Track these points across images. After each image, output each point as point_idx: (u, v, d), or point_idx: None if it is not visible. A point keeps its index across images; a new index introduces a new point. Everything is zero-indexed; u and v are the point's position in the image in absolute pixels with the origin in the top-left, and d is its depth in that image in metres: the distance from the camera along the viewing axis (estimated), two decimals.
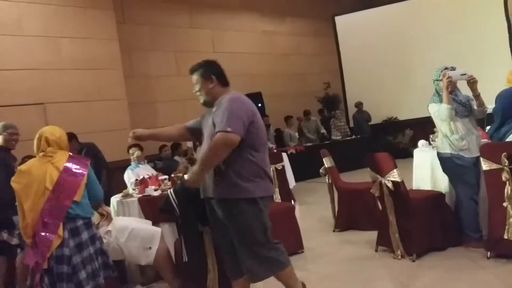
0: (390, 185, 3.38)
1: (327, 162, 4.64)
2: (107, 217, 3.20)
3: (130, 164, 4.99)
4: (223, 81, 2.55)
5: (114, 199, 4.07)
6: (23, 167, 2.66)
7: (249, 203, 2.37)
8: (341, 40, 10.87)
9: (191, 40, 9.32)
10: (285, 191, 6.08)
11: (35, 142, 2.70)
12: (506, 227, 2.99)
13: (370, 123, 10.26)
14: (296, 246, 3.98)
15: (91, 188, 2.69)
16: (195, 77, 2.55)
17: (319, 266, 3.68)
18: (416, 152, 4.21)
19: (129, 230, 3.13)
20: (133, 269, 3.82)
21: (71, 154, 2.75)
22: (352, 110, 10.57)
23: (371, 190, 3.63)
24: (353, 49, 10.60)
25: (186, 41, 9.22)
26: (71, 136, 5.72)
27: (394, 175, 3.37)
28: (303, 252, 4.00)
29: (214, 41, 9.82)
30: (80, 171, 2.63)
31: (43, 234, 2.47)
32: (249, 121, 2.35)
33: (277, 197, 5.89)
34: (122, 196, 4.06)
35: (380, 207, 3.73)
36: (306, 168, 7.87)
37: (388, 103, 10.28)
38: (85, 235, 2.59)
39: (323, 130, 9.87)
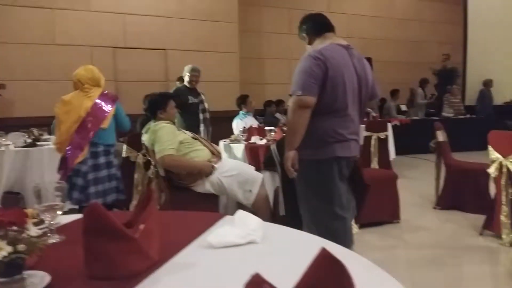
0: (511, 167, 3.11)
1: (440, 135, 4.37)
2: (217, 155, 3.44)
3: (238, 114, 5.23)
4: (316, 30, 2.33)
5: (222, 143, 4.34)
6: (66, 97, 3.23)
7: None
8: (471, 9, 9.82)
9: None
10: (385, 162, 5.91)
11: (74, 82, 3.25)
12: None
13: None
14: (393, 215, 3.90)
15: (119, 119, 3.27)
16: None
17: (413, 238, 3.58)
18: None
19: (235, 170, 3.31)
20: (229, 205, 4.07)
21: (105, 91, 3.26)
22: (472, 86, 9.65)
23: (487, 170, 3.37)
24: (483, 21, 9.53)
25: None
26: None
27: None
28: (399, 222, 3.92)
29: (330, 0, 9.54)
30: (109, 105, 3.19)
31: (71, 151, 3.09)
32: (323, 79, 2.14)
33: (375, 166, 5.77)
34: (230, 140, 4.32)
35: (495, 190, 3.46)
36: (409, 142, 7.51)
37: None
38: (102, 160, 3.15)
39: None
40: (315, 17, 2.41)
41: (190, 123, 4.62)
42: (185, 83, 4.90)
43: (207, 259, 1.02)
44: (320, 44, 2.27)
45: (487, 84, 9.28)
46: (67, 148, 3.12)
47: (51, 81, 6.36)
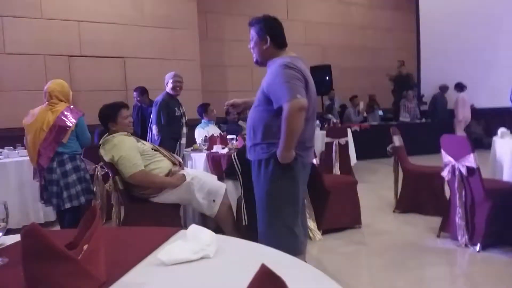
0: (464, 170, 3.23)
1: (396, 140, 4.50)
2: (180, 165, 3.39)
3: (200, 123, 5.17)
4: (279, 43, 2.36)
5: (184, 152, 4.27)
6: (32, 110, 3.41)
7: None
8: (423, 16, 10.26)
9: (266, 6, 9.24)
10: (346, 167, 6.02)
11: (44, 93, 3.40)
12: None
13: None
14: (355, 221, 3.97)
15: (80, 134, 3.40)
16: (252, 32, 2.40)
17: (374, 242, 3.66)
18: (496, 139, 3.96)
19: (199, 180, 3.27)
20: (195, 217, 4.01)
21: (70, 106, 3.40)
22: (426, 92, 10.04)
23: (441, 173, 3.49)
24: (435, 27, 9.98)
25: (261, 7, 9.16)
26: (143, 91, 6.05)
27: (470, 160, 3.21)
28: (360, 227, 3.99)
29: (289, 8, 9.69)
30: (71, 121, 3.32)
31: (39, 161, 3.33)
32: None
33: (337, 172, 5.86)
34: (191, 149, 4.25)
35: (449, 192, 3.59)
36: (368, 147, 7.69)
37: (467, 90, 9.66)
38: (69, 166, 3.34)
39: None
40: (279, 27, 2.40)
41: (172, 136, 4.39)
42: (168, 90, 4.52)
43: (158, 277, 0.98)
44: (285, 56, 2.33)
45: (443, 89, 9.68)
46: (38, 157, 3.34)
47: (3, 92, 6.08)
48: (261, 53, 2.38)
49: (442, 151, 3.50)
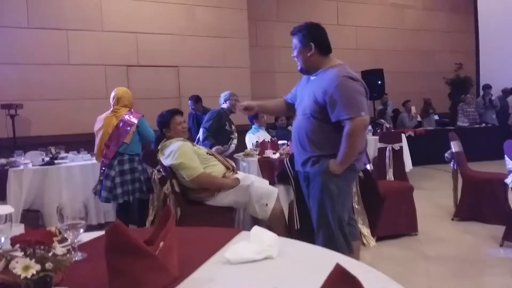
0: None
1: (455, 146, 4.33)
2: (233, 170, 3.47)
3: (250, 128, 5.26)
4: (324, 49, 2.31)
5: (235, 157, 4.36)
6: (99, 116, 3.88)
7: None
8: (481, 18, 9.79)
9: (316, 12, 9.25)
10: (400, 173, 5.85)
11: (111, 98, 3.85)
12: None
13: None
14: (411, 227, 3.86)
15: (143, 132, 3.78)
16: (294, 40, 2.36)
17: (432, 250, 3.53)
18: None
19: (252, 185, 3.33)
20: (245, 220, 4.07)
21: (131, 110, 3.81)
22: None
23: (505, 180, 3.32)
24: (494, 29, 9.49)
25: (311, 13, 9.17)
26: (197, 99, 6.24)
27: None
28: (416, 235, 3.87)
29: (339, 14, 9.62)
30: (132, 123, 3.71)
31: (103, 158, 3.78)
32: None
33: (391, 178, 5.72)
34: (243, 155, 4.34)
35: None
36: (424, 153, 7.43)
37: None
38: (127, 166, 3.73)
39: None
40: (323, 33, 2.36)
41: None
42: (225, 107, 4.71)
43: (225, 275, 1.04)
44: (333, 64, 2.31)
45: (505, 92, 9.16)
46: (104, 155, 3.79)
47: (67, 100, 6.51)
48: (306, 61, 2.33)
49: (506, 157, 3.33)
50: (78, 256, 1.23)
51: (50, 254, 0.86)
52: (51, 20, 6.44)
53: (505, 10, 9.42)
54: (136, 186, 3.77)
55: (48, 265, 0.83)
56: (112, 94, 3.86)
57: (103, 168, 3.77)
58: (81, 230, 1.25)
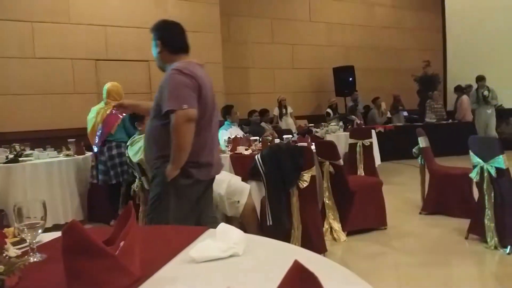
0: (493, 171, 3.16)
1: (422, 142, 4.43)
2: None
3: (223, 124, 5.22)
4: (172, 48, 2.27)
5: None
6: (93, 108, 4.50)
7: None
8: (449, 16, 10.06)
9: (288, 8, 9.27)
10: (370, 169, 5.95)
11: (104, 92, 4.42)
12: None
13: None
14: (380, 222, 3.93)
15: (126, 127, 4.27)
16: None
17: (400, 243, 3.62)
18: None
19: (226, 182, 3.31)
20: (218, 218, 4.05)
21: None
22: (451, 92, 9.84)
23: (470, 175, 3.42)
24: (461, 27, 9.77)
25: (283, 9, 9.19)
26: None
27: (499, 161, 3.14)
28: (385, 229, 3.95)
29: (311, 10, 9.67)
30: (118, 116, 3.75)
31: (93, 145, 4.44)
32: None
33: (361, 173, 5.81)
34: None
35: (478, 194, 3.52)
36: (393, 148, 7.59)
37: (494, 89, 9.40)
38: (114, 151, 4.30)
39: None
40: (175, 31, 2.33)
41: None
42: None
43: (190, 274, 1.01)
44: (180, 62, 2.21)
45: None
46: (94, 141, 4.43)
47: (32, 95, 6.28)
48: (156, 58, 2.32)
49: (471, 152, 3.43)
50: (37, 257, 1.17)
51: (2, 257, 0.82)
52: (16, 11, 6.18)
53: (471, 9, 9.71)
54: (124, 169, 4.27)
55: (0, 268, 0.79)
56: (104, 88, 4.43)
57: (96, 153, 4.44)
58: (40, 231, 1.20)
